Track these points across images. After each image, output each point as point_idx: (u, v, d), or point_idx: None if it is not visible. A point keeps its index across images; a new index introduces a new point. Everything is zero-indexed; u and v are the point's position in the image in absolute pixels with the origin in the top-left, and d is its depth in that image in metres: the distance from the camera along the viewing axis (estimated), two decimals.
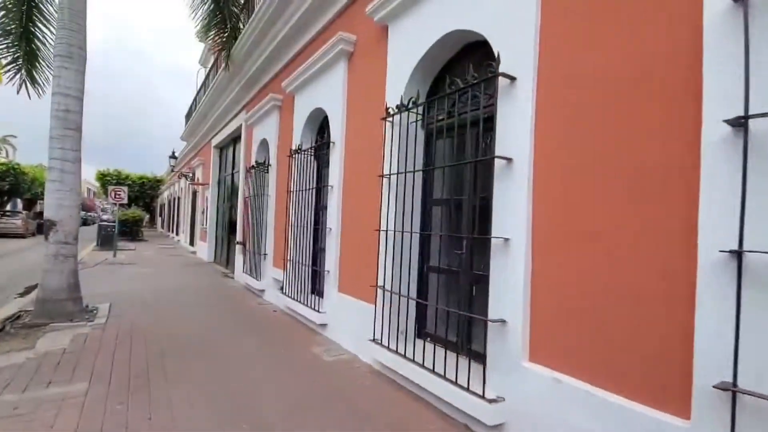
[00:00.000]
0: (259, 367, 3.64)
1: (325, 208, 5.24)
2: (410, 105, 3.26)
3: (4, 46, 6.20)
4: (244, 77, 8.01)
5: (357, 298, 4.10)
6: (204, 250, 12.62)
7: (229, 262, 10.49)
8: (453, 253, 3.31)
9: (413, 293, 3.47)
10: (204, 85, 13.24)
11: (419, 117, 3.48)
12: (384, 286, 3.48)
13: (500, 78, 2.50)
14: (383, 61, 3.84)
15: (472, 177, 3.14)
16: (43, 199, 28.30)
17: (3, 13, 6.05)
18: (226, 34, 7.37)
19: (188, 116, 16.18)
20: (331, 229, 4.62)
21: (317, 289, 5.44)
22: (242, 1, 7.82)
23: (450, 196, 3.33)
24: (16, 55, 6.28)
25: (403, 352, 3.18)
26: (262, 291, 6.82)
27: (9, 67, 6.32)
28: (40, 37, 6.35)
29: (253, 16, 6.52)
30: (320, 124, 5.61)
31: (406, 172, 3.36)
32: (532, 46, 2.39)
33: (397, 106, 3.36)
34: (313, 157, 5.56)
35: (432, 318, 3.49)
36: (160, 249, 15.99)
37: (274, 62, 6.82)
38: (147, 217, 23.09)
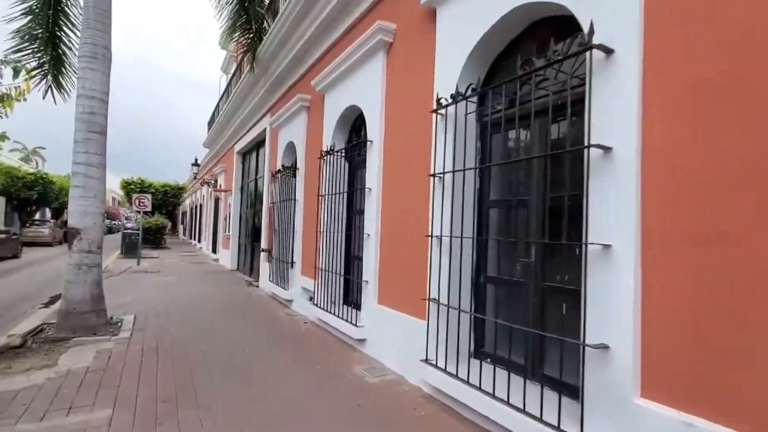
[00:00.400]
0: (296, 388, 3.27)
1: (361, 212, 4.88)
2: (468, 93, 2.87)
3: (30, 51, 6.09)
4: (269, 79, 7.77)
5: (401, 312, 3.70)
6: (227, 257, 12.43)
7: (252, 270, 10.24)
8: (517, 261, 2.89)
9: (469, 306, 3.05)
10: (226, 91, 13.16)
11: (475, 108, 3.09)
12: (439, 300, 3.07)
13: (594, 51, 2.08)
14: (430, 48, 3.46)
15: (542, 173, 2.72)
16: None
17: (30, 17, 5.94)
18: (251, 35, 7.15)
19: (210, 123, 16.18)
20: (369, 235, 4.24)
21: (351, 300, 5.06)
22: (267, 2, 7.61)
23: (512, 196, 2.91)
24: (42, 60, 6.17)
25: (465, 377, 2.75)
26: (290, 301, 6.48)
27: (35, 72, 6.21)
28: (66, 42, 6.24)
29: (280, 14, 6.27)
30: (353, 124, 5.27)
31: (464, 170, 2.96)
32: (637, 8, 1.97)
33: (452, 96, 2.97)
34: (344, 159, 5.23)
35: (491, 335, 3.06)
36: (182, 256, 15.95)
37: (301, 62, 6.54)
38: (169, 224, 23.25)
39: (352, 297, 5.17)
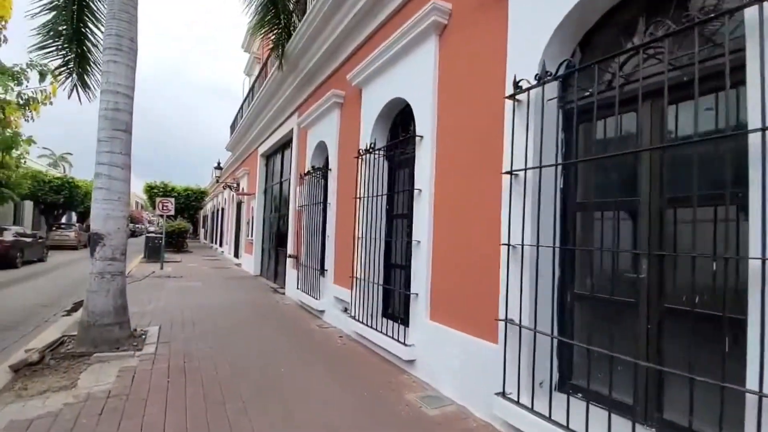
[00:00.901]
0: (343, 418, 2.81)
1: (404, 216, 4.41)
2: (562, 72, 2.37)
3: (54, 48, 5.86)
4: (298, 76, 7.40)
5: (462, 332, 3.20)
6: (250, 262, 12.14)
7: (277, 276, 9.88)
8: (621, 276, 2.36)
9: (554, 329, 2.53)
10: (250, 93, 12.93)
11: (557, 93, 2.59)
12: (520, 322, 2.56)
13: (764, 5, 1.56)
14: (498, 26, 2.98)
15: (658, 169, 2.20)
16: None
17: (54, 13, 5.71)
18: (280, 30, 6.80)
19: (233, 126, 16.02)
20: (419, 242, 3.76)
21: (392, 314, 4.59)
22: None
23: (603, 197, 2.40)
24: (66, 58, 5.93)
25: (565, 422, 2.23)
26: (322, 312, 6.05)
27: (60, 70, 5.98)
28: (91, 38, 5.99)
29: (312, 6, 5.88)
30: (395, 119, 4.82)
31: (556, 165, 2.46)
32: None
33: (537, 77, 2.48)
34: (384, 158, 4.78)
35: (582, 365, 2.54)
36: (204, 261, 15.78)
37: (333, 56, 6.14)
38: (191, 228, 23.28)
39: (393, 310, 4.70)
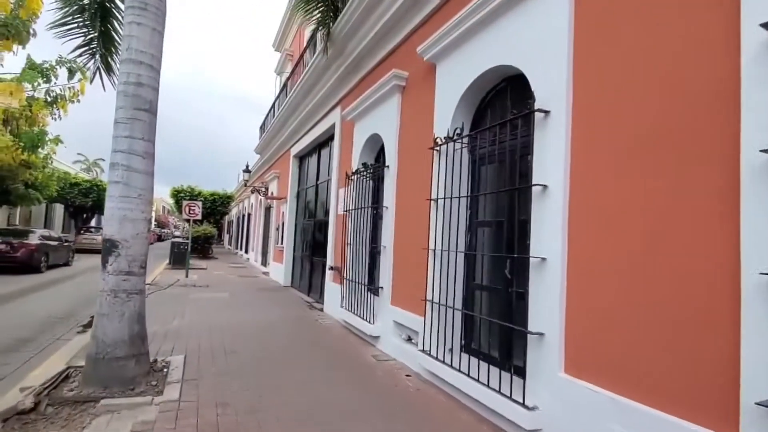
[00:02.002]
0: None
1: (490, 224, 3.34)
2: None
3: (76, 24, 5.09)
4: (344, 63, 6.47)
5: (629, 399, 2.09)
6: (279, 271, 11.24)
7: (312, 288, 8.92)
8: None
9: None
10: (283, 90, 12.17)
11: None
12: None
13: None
14: None
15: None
16: None
17: None
18: (326, 6, 5.89)
19: (263, 128, 15.33)
20: (544, 259, 2.68)
21: (481, 351, 3.50)
22: None
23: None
24: (89, 36, 5.15)
25: None
26: (376, 338, 4.99)
27: (82, 50, 5.21)
28: (117, 15, 5.19)
29: None
30: (486, 99, 3.77)
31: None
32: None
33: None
34: (467, 150, 3.75)
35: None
36: (231, 268, 15.03)
37: (392, 32, 5.17)
38: (216, 233, 22.77)
39: (479, 345, 3.61)
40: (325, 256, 7.98)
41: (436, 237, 3.86)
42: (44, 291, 9.04)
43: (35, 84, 10.30)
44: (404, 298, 4.53)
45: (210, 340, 4.96)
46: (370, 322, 5.08)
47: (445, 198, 3.79)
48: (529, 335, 2.72)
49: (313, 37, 8.65)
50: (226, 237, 35.08)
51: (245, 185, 16.26)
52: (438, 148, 3.90)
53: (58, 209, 23.58)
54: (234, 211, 27.63)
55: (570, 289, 2.55)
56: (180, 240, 14.85)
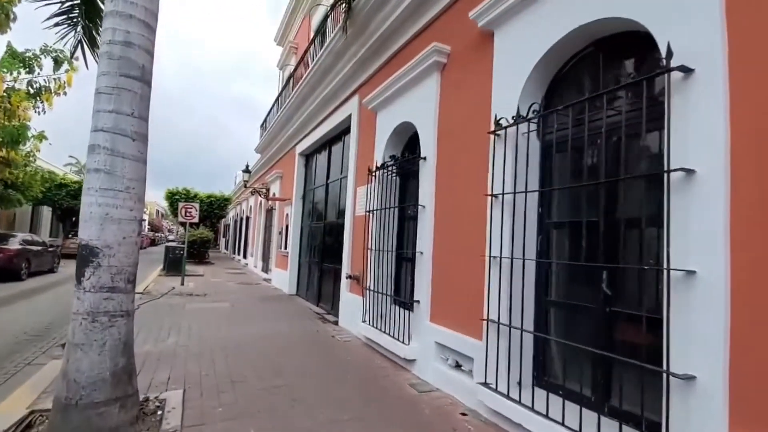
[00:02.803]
0: None
1: (591, 224, 2.58)
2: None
3: None
4: (365, 43, 5.70)
5: None
6: (283, 278, 10.42)
7: (322, 297, 8.11)
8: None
9: None
10: (287, 84, 11.39)
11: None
12: None
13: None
14: None
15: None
16: None
17: None
18: None
19: (263, 126, 14.53)
20: (693, 273, 1.92)
21: (551, 381, 2.72)
22: None
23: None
24: (69, 2, 4.35)
25: None
26: (411, 362, 4.20)
27: (60, 19, 4.40)
28: None
29: None
30: (564, 68, 3.03)
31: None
32: None
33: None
34: (537, 135, 3.01)
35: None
36: (229, 275, 14.16)
37: (428, 2, 4.42)
38: (213, 237, 21.84)
39: (552, 374, 2.85)
40: (337, 262, 7.19)
41: (496, 241, 3.11)
42: (22, 302, 8.15)
43: (15, 74, 9.45)
44: (449, 315, 3.76)
45: (212, 364, 4.15)
46: (403, 342, 4.29)
47: (512, 193, 3.03)
48: (671, 377, 1.96)
49: (324, 22, 7.90)
50: (222, 241, 34.10)
51: (245, 186, 15.41)
52: (500, 131, 3.14)
53: (46, 212, 22.54)
54: (231, 214, 26.71)
55: (735, 315, 1.79)
56: (175, 244, 13.96)
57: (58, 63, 10.07)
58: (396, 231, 5.07)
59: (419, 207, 4.31)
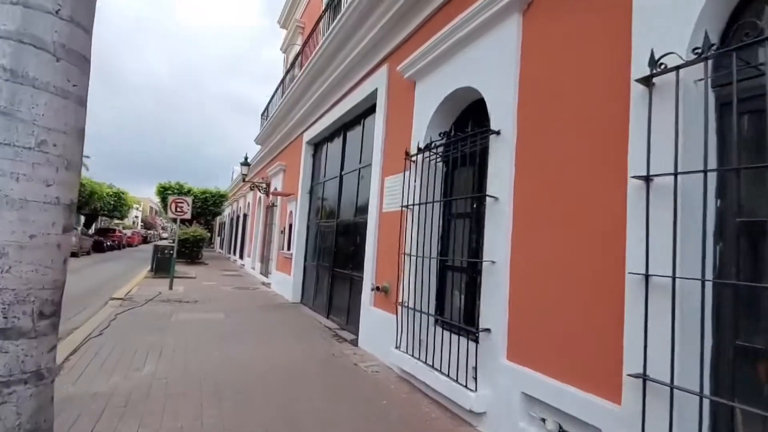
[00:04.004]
0: None
1: None
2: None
3: None
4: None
5: None
6: (285, 284, 9.22)
7: (333, 308, 6.92)
8: None
9: None
10: (292, 67, 10.20)
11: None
12: None
13: None
14: None
15: None
16: (106, 214, 26.76)
17: None
18: None
19: (264, 114, 13.32)
20: None
21: None
22: None
23: None
24: None
25: None
26: (480, 415, 3.01)
27: None
28: None
29: None
30: None
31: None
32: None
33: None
34: (714, 87, 1.84)
35: None
36: (224, 277, 12.93)
37: None
38: (208, 236, 20.55)
39: None
40: (354, 268, 6.03)
41: (637, 247, 1.95)
42: None
43: None
44: (548, 355, 2.59)
45: (200, 415, 2.96)
46: (466, 387, 3.10)
47: (675, 174, 1.87)
48: None
49: None
50: (217, 240, 32.77)
51: (243, 180, 14.19)
52: (664, 76, 1.98)
53: None
54: (227, 212, 25.42)
55: None
56: (165, 243, 12.72)
57: None
58: (450, 232, 3.91)
59: (488, 199, 3.14)
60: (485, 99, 3.34)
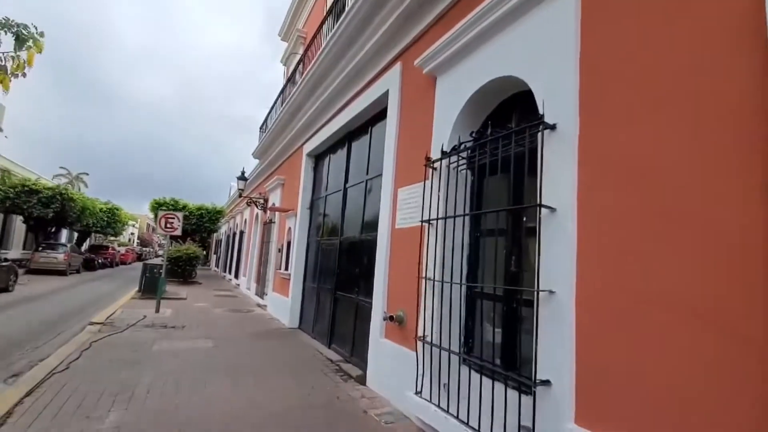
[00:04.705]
0: None
1: None
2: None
3: None
4: None
5: None
6: (283, 307, 8.45)
7: (335, 336, 6.17)
8: None
9: None
10: (292, 76, 9.69)
11: None
12: None
13: None
14: None
15: None
16: (99, 230, 25.91)
17: None
18: None
19: (263, 128, 12.77)
20: None
21: None
22: None
23: None
24: None
25: None
26: None
27: None
28: None
29: None
30: None
31: None
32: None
33: None
34: None
35: None
36: (217, 298, 12.12)
37: None
38: (203, 254, 19.72)
39: None
40: (360, 291, 5.32)
41: None
42: None
43: None
44: (641, 425, 1.87)
45: None
46: None
47: None
48: None
49: None
50: (213, 258, 31.89)
51: (239, 196, 13.54)
52: None
53: (20, 223, 20.40)
54: (223, 229, 24.68)
55: None
56: (156, 261, 11.96)
57: (20, 40, 8.34)
58: (480, 252, 3.23)
59: (543, 211, 2.47)
60: (532, 89, 2.71)
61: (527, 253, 2.86)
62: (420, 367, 3.37)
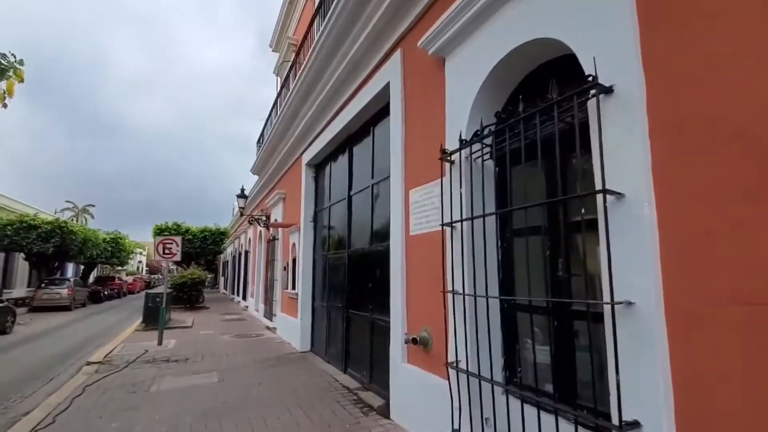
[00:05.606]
0: None
1: None
2: None
3: None
4: None
5: None
6: (292, 329, 7.89)
7: (350, 359, 5.60)
8: None
9: None
10: (285, 82, 9.25)
11: None
12: None
13: None
14: None
15: None
16: (104, 261, 25.55)
17: None
18: None
19: (260, 142, 12.35)
20: None
21: None
22: None
23: None
24: None
25: None
26: None
27: None
28: None
29: None
30: None
31: None
32: None
33: None
34: None
35: None
36: (224, 323, 11.59)
37: None
38: (209, 277, 19.25)
39: None
40: (371, 308, 4.78)
41: None
42: None
43: None
44: None
45: None
46: None
47: None
48: None
49: None
50: (221, 280, 31.46)
51: (241, 215, 13.09)
52: None
53: (23, 261, 20.06)
54: (229, 250, 24.26)
55: None
56: (159, 290, 11.50)
57: (1, 72, 7.99)
58: (515, 256, 2.67)
59: (606, 197, 1.90)
60: (574, 50, 2.17)
61: (578, 253, 2.30)
62: (456, 399, 2.80)
